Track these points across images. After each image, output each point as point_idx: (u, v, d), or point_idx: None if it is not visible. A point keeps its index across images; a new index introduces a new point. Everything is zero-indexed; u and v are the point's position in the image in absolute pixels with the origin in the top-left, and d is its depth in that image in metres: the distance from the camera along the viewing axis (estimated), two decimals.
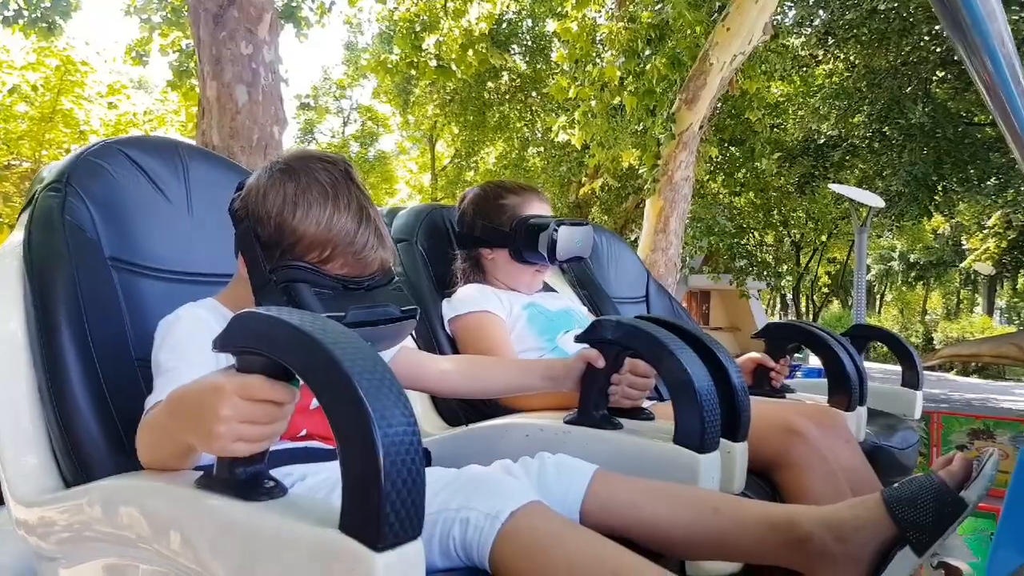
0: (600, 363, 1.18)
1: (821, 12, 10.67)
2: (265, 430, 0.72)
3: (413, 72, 7.36)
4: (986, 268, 15.83)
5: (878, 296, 31.14)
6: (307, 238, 0.96)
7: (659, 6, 7.20)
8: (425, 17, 7.33)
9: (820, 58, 11.79)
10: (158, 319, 1.04)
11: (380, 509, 0.60)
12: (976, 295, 28.97)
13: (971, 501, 0.83)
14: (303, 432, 1.04)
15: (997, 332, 15.53)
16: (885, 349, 2.07)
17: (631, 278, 2.27)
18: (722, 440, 1.11)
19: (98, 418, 1.00)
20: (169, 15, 6.93)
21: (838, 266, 23.99)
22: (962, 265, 18.34)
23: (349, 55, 19.75)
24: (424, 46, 6.91)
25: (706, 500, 0.98)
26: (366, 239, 0.97)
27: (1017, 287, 16.75)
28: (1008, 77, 0.87)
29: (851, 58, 11.25)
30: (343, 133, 22.20)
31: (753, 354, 1.72)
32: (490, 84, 13.48)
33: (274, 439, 0.75)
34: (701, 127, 6.48)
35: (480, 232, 1.64)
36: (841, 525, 0.89)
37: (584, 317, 1.72)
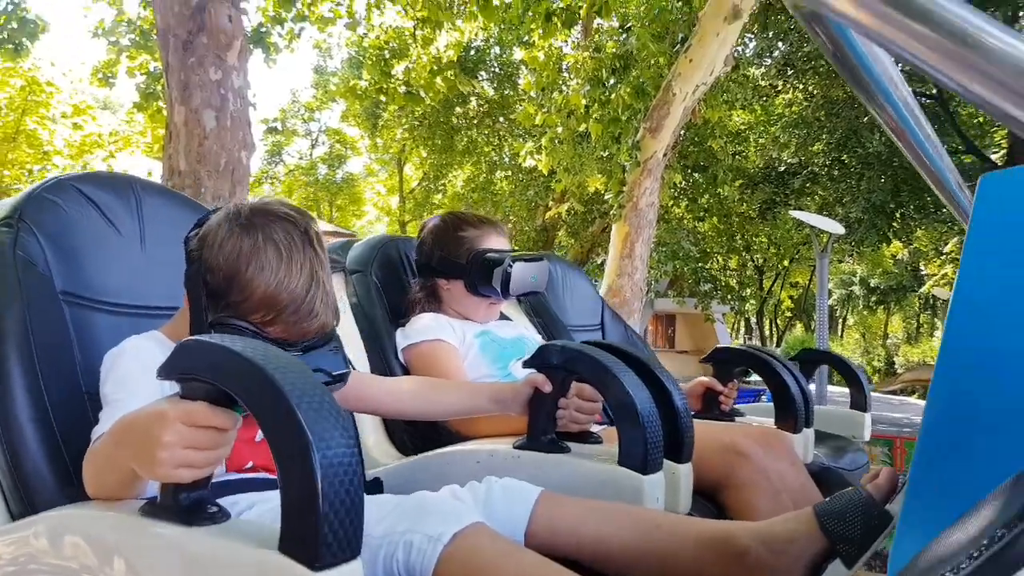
0: (547, 388, 1.20)
1: (780, 44, 11.00)
2: (208, 456, 0.74)
3: (382, 98, 7.43)
4: (945, 293, 16.25)
5: (840, 320, 31.72)
6: (254, 298, 0.97)
7: (623, 37, 7.38)
8: (395, 44, 7.41)
9: (780, 88, 12.13)
10: (104, 351, 1.05)
11: (318, 529, 0.61)
12: (936, 319, 29.69)
13: (896, 513, 0.87)
14: (249, 464, 1.04)
15: None
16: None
17: (586, 306, 2.30)
18: (666, 461, 1.14)
19: (46, 452, 1.01)
20: (138, 38, 6.91)
21: (800, 290, 24.43)
22: (921, 290, 18.86)
23: (318, 78, 19.78)
24: (393, 72, 6.98)
25: (648, 518, 1.01)
26: (312, 307, 0.99)
27: None
28: (911, 122, 0.96)
29: (810, 88, 11.60)
30: (311, 155, 22.17)
31: (702, 378, 1.76)
32: (458, 109, 13.62)
33: (217, 465, 0.76)
34: (665, 155, 6.63)
35: (437, 263, 1.66)
36: (775, 539, 0.93)
37: (537, 344, 1.75)
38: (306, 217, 1.05)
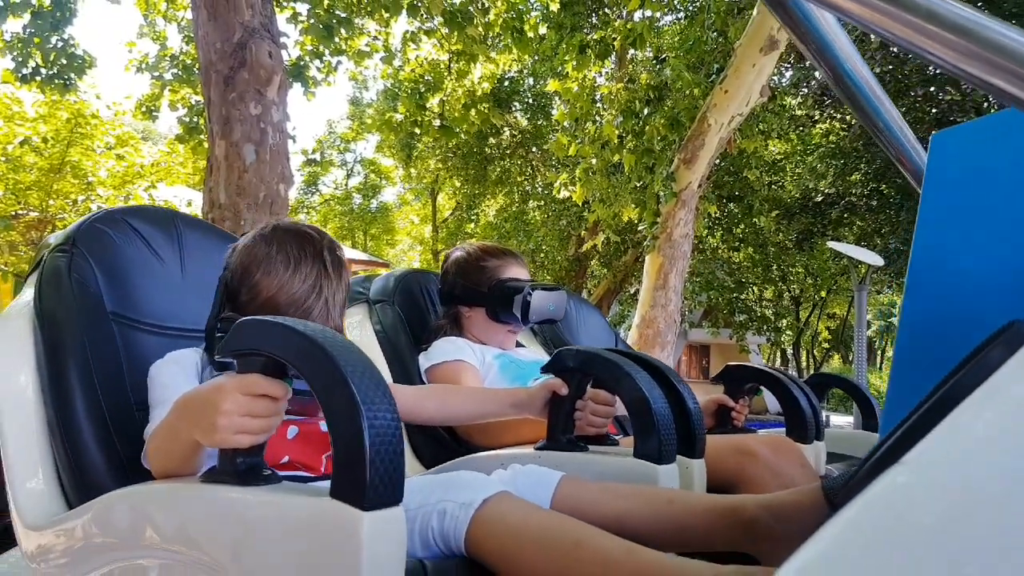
0: (564, 390, 1.25)
1: (817, 74, 10.90)
2: (263, 423, 0.81)
3: (417, 131, 7.51)
4: None
5: (879, 352, 31.05)
6: (259, 300, 1.10)
7: (658, 68, 7.37)
8: (430, 77, 7.51)
9: (817, 118, 12.02)
10: (149, 366, 1.16)
11: (366, 476, 0.69)
12: None
13: None
14: (285, 459, 1.09)
15: None
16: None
17: (600, 338, 2.36)
18: (680, 457, 1.20)
19: (103, 447, 1.11)
20: (180, 72, 7.09)
21: (838, 321, 23.98)
22: None
23: (354, 110, 20.13)
24: (428, 105, 7.06)
25: (661, 494, 1.07)
26: (308, 314, 1.09)
27: None
28: (865, 88, 0.94)
29: (848, 118, 11.46)
30: (346, 185, 22.48)
31: (714, 395, 1.79)
32: (492, 140, 13.72)
33: (271, 432, 0.83)
34: (700, 185, 6.58)
35: (460, 291, 1.75)
36: (782, 509, 0.97)
37: None
38: (325, 238, 1.16)
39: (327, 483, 0.73)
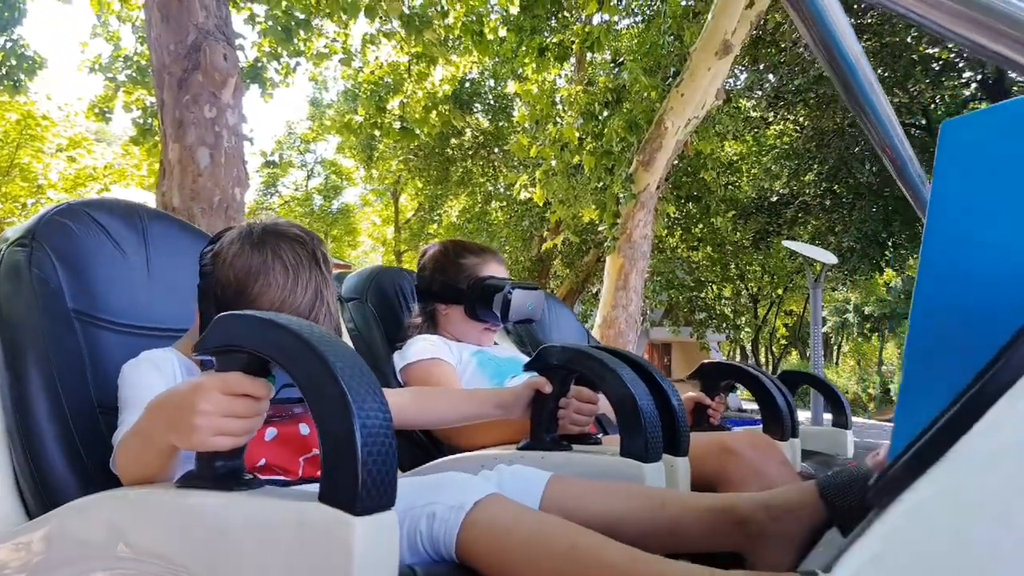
0: (547, 388, 1.24)
1: (771, 77, 11.13)
2: (244, 424, 0.77)
3: (377, 132, 7.48)
4: None
5: (835, 348, 31.73)
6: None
7: (616, 71, 7.45)
8: (389, 79, 7.49)
9: (771, 120, 12.26)
10: (115, 369, 1.09)
11: (357, 478, 0.66)
12: None
13: None
14: (262, 462, 1.07)
15: None
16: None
17: (572, 338, 2.36)
18: (665, 455, 1.19)
19: (66, 453, 1.06)
20: (134, 74, 6.96)
21: (795, 318, 24.46)
22: None
23: (314, 111, 19.93)
24: (388, 107, 7.04)
25: (653, 495, 1.05)
26: (320, 316, 1.06)
27: None
28: (896, 141, 0.97)
29: (800, 120, 11.72)
30: (307, 186, 22.24)
31: (690, 393, 1.80)
32: (454, 141, 13.72)
33: (252, 434, 0.79)
34: (658, 187, 6.68)
35: (438, 288, 1.72)
36: (776, 506, 0.96)
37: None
38: (314, 238, 1.11)
39: (312, 486, 0.71)
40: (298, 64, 6.97)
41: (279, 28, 5.64)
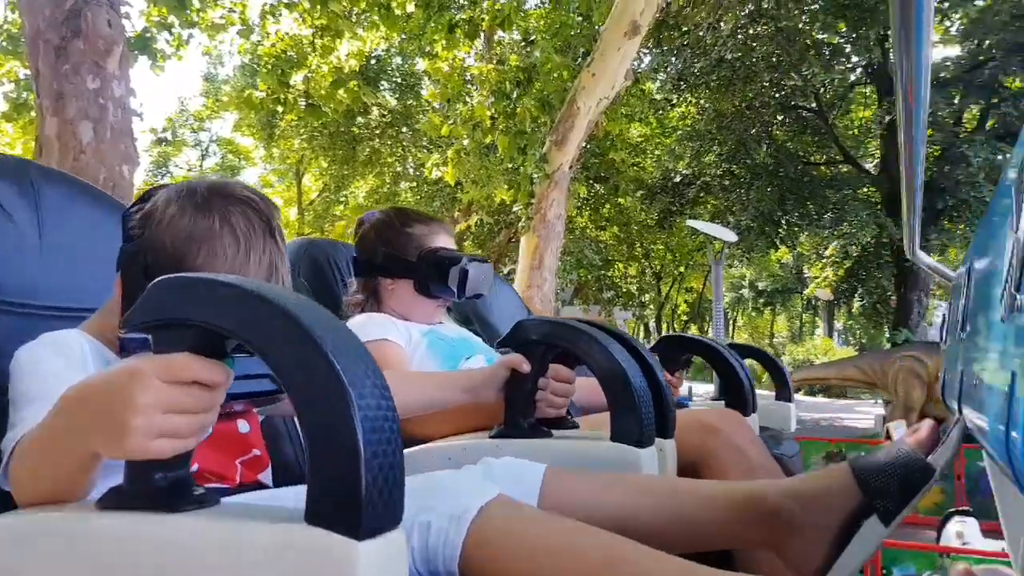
0: (525, 367, 1.11)
1: (674, 59, 11.36)
2: (194, 421, 0.59)
3: (279, 108, 7.14)
4: (825, 294, 17.21)
5: (731, 322, 33.14)
6: None
7: (527, 50, 7.41)
8: (292, 53, 7.15)
9: (674, 102, 12.54)
10: (6, 357, 0.87)
11: (360, 492, 0.50)
12: (816, 319, 31.45)
13: (938, 466, 0.81)
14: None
15: (838, 353, 16.81)
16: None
17: (513, 314, 2.26)
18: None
19: None
20: (5, 43, 6.36)
21: (695, 295, 25.34)
22: (805, 293, 19.92)
23: (209, 86, 18.96)
24: (291, 82, 6.73)
25: (662, 484, 0.96)
26: None
27: (852, 311, 18.34)
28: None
29: (702, 102, 12.04)
30: (201, 166, 21.21)
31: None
32: (360, 119, 13.35)
33: (203, 434, 0.61)
34: (571, 167, 6.70)
35: (383, 260, 1.55)
36: (808, 494, 0.88)
37: (483, 344, 1.68)
38: (269, 204, 0.93)
39: (281, 501, 0.59)
40: (191, 36, 6.56)
41: None
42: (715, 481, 1.06)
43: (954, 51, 10.73)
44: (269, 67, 6.97)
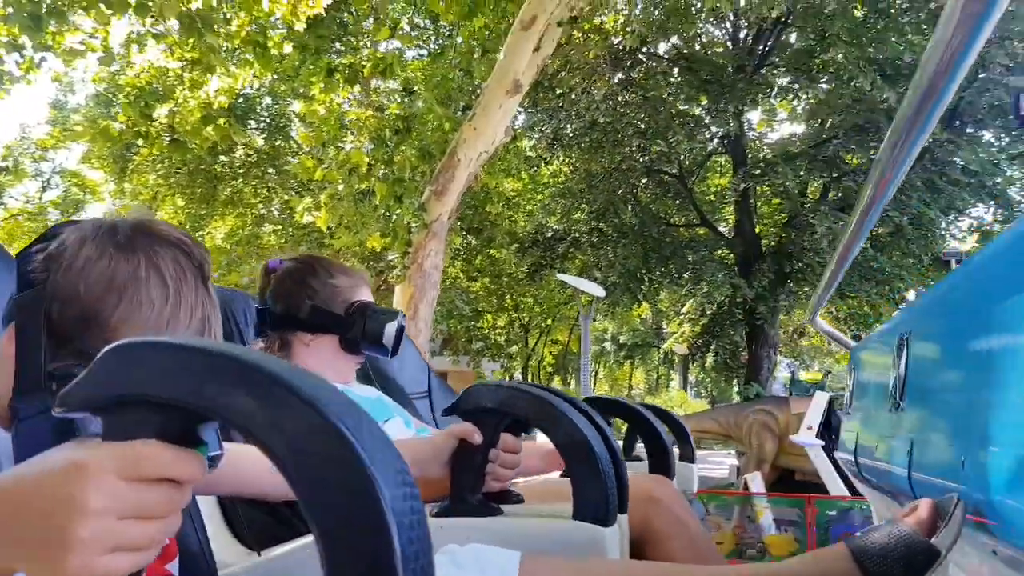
0: (477, 438, 1.02)
1: (549, 119, 11.79)
2: (157, 528, 0.45)
3: (140, 142, 6.68)
4: (681, 349, 18.09)
5: (593, 373, 34.15)
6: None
7: (409, 99, 7.43)
8: (157, 85, 6.76)
9: (548, 159, 12.98)
10: None
11: None
12: (672, 372, 33.02)
13: (944, 548, 0.78)
14: None
15: (692, 404, 17.64)
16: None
17: (414, 372, 2.18)
18: None
19: None
20: None
21: (560, 347, 25.92)
22: (663, 347, 20.87)
23: (56, 114, 17.60)
24: (155, 115, 6.33)
25: (658, 572, 0.90)
26: None
27: (705, 365, 19.38)
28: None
29: (574, 162, 12.53)
30: (40, 199, 19.53)
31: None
32: (223, 157, 12.80)
33: (164, 542, 0.47)
34: (450, 217, 6.71)
35: (308, 314, 1.42)
36: None
37: (397, 405, 1.59)
38: (201, 248, 0.80)
39: None
40: (43, 59, 6.05)
41: (26, 15, 4.83)
42: (708, 567, 1.01)
43: (801, 128, 11.83)
44: (131, 98, 6.54)
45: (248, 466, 0.97)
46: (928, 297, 1.11)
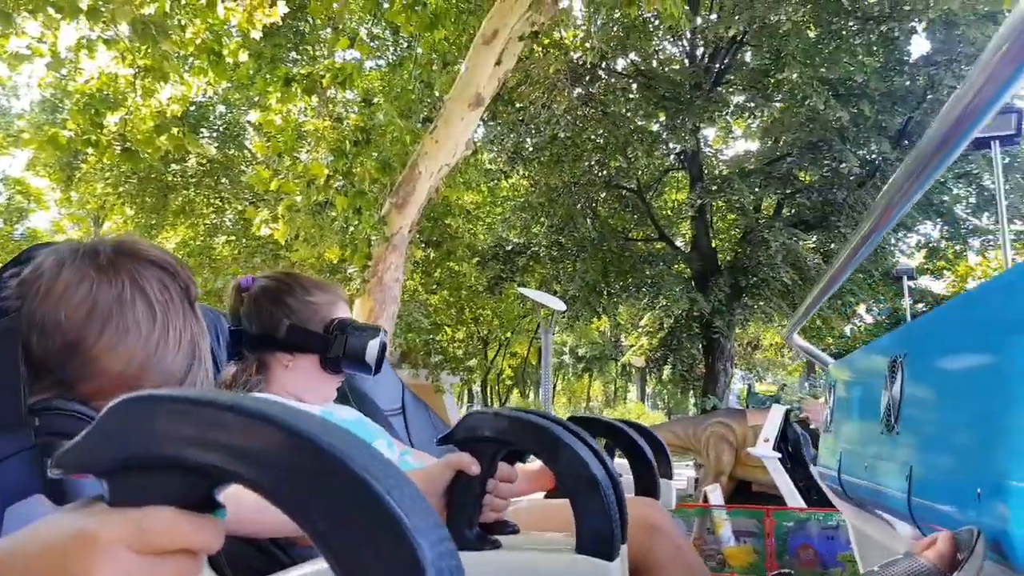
0: (475, 469, 0.98)
1: (510, 133, 11.81)
2: None
3: (90, 151, 6.47)
4: (639, 361, 18.24)
5: (552, 386, 34.19)
6: (108, 374, 0.67)
7: (369, 110, 7.35)
8: (108, 93, 6.55)
9: (508, 173, 12.99)
10: None
11: None
12: (629, 384, 33.28)
13: None
14: None
15: (650, 416, 17.75)
16: None
17: (387, 389, 2.11)
18: None
19: None
20: None
21: (519, 360, 25.89)
22: (621, 360, 21.02)
23: (0, 119, 17.01)
24: (105, 123, 6.13)
25: None
26: (197, 382, 0.73)
27: (663, 378, 19.57)
28: None
29: (534, 175, 12.56)
30: None
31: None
32: (175, 166, 12.50)
33: None
34: (410, 230, 6.63)
35: (286, 334, 1.36)
36: None
37: (379, 427, 1.52)
38: (187, 270, 0.76)
39: None
40: None
41: None
42: None
43: (755, 145, 12.06)
44: (81, 105, 6.33)
45: (245, 508, 0.88)
46: (927, 321, 1.10)
